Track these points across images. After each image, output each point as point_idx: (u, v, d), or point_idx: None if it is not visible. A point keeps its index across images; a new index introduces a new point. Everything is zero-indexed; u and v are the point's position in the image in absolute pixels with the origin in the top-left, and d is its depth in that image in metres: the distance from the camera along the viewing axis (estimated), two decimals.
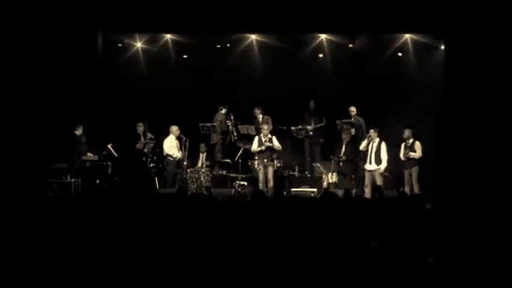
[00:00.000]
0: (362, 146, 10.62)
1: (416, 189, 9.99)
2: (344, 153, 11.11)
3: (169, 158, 11.33)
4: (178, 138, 11.42)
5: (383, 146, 10.38)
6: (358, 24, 10.67)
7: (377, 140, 10.44)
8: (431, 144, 10.60)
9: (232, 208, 5.76)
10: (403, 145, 10.41)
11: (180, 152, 11.34)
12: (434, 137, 10.84)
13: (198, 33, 11.79)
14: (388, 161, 10.38)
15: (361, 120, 11.43)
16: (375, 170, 10.30)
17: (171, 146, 11.33)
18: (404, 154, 10.33)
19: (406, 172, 10.35)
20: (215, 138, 11.95)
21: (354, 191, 10.26)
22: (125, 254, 4.33)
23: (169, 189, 10.75)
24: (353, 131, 11.30)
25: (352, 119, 11.41)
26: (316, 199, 8.45)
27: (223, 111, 12.03)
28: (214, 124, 11.79)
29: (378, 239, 4.42)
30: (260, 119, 11.77)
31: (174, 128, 11.38)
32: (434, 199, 6.51)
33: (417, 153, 10.26)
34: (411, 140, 10.35)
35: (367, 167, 10.43)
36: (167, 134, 11.48)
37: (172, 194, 8.04)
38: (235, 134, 11.79)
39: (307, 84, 12.31)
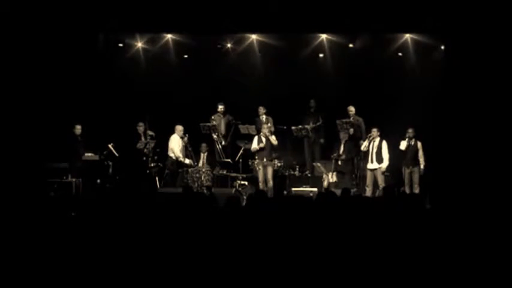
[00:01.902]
0: (363, 146, 10.63)
1: (416, 190, 9.98)
2: (343, 153, 11.14)
3: (171, 157, 11.35)
4: (181, 138, 11.44)
5: (384, 144, 10.41)
6: (358, 24, 10.67)
7: (378, 139, 10.45)
8: (430, 145, 10.59)
9: (233, 208, 5.78)
10: (407, 143, 10.37)
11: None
12: (434, 137, 10.83)
13: (198, 33, 11.81)
14: (390, 160, 10.38)
15: (360, 120, 11.43)
16: (377, 169, 10.31)
17: (178, 147, 11.32)
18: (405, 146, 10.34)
19: (407, 172, 10.33)
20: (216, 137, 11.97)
21: (353, 191, 10.27)
22: (126, 254, 4.35)
23: (170, 188, 10.78)
24: (351, 130, 11.31)
25: (351, 118, 11.41)
26: (314, 198, 8.47)
27: (220, 108, 12.01)
28: (215, 124, 11.80)
29: None
30: (263, 119, 11.73)
31: (179, 128, 11.36)
32: (434, 199, 6.54)
33: (421, 155, 10.21)
34: (413, 140, 10.34)
35: (369, 166, 10.44)
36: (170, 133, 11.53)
37: (178, 194, 8.08)
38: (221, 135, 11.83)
39: (307, 84, 12.32)
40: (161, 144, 11.55)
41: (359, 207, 5.82)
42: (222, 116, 12.01)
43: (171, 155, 11.38)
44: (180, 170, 11.35)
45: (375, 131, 10.50)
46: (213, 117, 11.91)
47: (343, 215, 5.35)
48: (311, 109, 12.06)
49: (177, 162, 11.37)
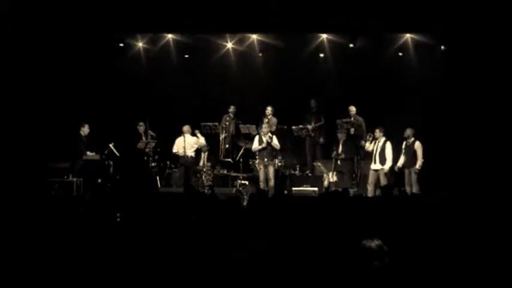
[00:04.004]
0: (366, 147, 10.58)
1: (415, 189, 9.95)
2: (342, 152, 11.14)
3: (186, 156, 11.23)
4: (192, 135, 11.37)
5: (388, 145, 10.29)
6: (358, 24, 10.68)
7: (382, 139, 10.36)
8: (431, 144, 10.58)
9: (234, 207, 5.80)
10: (404, 143, 10.39)
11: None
12: (434, 136, 10.84)
13: (199, 33, 11.83)
14: (393, 161, 10.34)
15: (361, 120, 11.43)
16: (379, 169, 10.26)
17: (184, 145, 11.24)
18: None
19: (407, 171, 10.32)
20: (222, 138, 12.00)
21: (353, 190, 10.28)
22: (127, 254, 4.37)
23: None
24: (352, 130, 11.31)
25: (352, 118, 11.42)
26: (317, 198, 8.48)
27: (231, 109, 12.04)
28: (216, 123, 11.81)
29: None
30: (267, 118, 11.69)
31: (186, 128, 11.25)
32: (434, 199, 6.55)
33: (419, 154, 10.18)
34: (412, 140, 10.31)
35: (372, 166, 10.36)
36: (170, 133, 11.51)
37: (179, 193, 8.08)
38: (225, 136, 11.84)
39: (307, 83, 12.34)
40: (162, 144, 11.55)
41: (358, 207, 5.85)
42: (232, 117, 12.04)
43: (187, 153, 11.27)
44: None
45: (377, 132, 10.44)
46: (225, 117, 11.94)
47: (343, 215, 5.37)
48: (312, 109, 12.07)
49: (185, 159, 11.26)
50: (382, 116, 11.25)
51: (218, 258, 4.25)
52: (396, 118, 11.01)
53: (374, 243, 4.40)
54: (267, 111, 11.66)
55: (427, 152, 10.28)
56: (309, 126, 11.73)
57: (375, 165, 10.32)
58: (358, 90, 11.87)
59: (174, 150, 11.36)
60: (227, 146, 11.96)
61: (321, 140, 11.96)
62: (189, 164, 11.24)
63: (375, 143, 10.39)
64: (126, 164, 11.14)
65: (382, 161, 10.25)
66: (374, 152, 10.36)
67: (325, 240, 4.60)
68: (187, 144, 11.19)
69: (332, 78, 12.29)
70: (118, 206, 6.13)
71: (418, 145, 10.20)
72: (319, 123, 11.85)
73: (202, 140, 11.32)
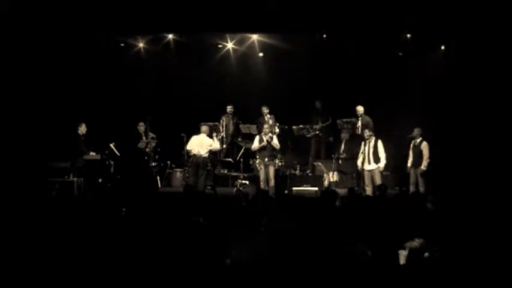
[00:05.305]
0: (360, 151, 10.58)
1: (422, 190, 9.96)
2: (343, 152, 11.15)
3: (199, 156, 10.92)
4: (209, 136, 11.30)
5: (380, 144, 10.32)
6: (358, 24, 10.69)
7: (373, 139, 10.40)
8: (431, 144, 10.59)
9: (235, 206, 5.81)
10: (412, 143, 10.41)
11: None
12: (435, 136, 10.84)
13: (199, 33, 11.84)
14: (387, 158, 10.37)
15: (369, 120, 11.37)
16: (375, 168, 10.28)
17: (196, 144, 11.11)
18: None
19: (412, 171, 10.34)
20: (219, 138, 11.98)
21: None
22: (127, 253, 4.37)
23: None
24: (359, 129, 11.29)
25: (360, 118, 11.40)
26: (317, 198, 8.48)
27: (229, 109, 12.04)
28: (216, 123, 11.81)
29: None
30: (266, 118, 11.73)
31: (204, 128, 10.99)
32: (436, 199, 6.55)
33: (424, 154, 10.21)
34: (419, 140, 10.34)
35: (366, 167, 10.37)
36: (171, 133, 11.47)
37: (179, 193, 8.07)
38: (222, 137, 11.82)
39: (308, 84, 12.35)
40: (162, 144, 11.55)
41: (362, 206, 5.85)
42: (230, 116, 12.05)
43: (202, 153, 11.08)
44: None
45: (366, 132, 10.47)
46: (223, 118, 11.95)
47: (348, 214, 5.37)
48: (319, 110, 12.09)
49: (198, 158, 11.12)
50: (382, 115, 11.26)
51: (219, 258, 4.25)
52: (396, 118, 11.02)
53: (416, 242, 4.46)
54: (263, 111, 11.69)
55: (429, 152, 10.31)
56: (316, 126, 11.75)
57: (369, 166, 10.33)
58: (358, 90, 11.88)
59: (188, 147, 10.97)
60: (224, 146, 11.95)
61: (331, 138, 11.97)
62: (201, 163, 10.87)
63: (365, 144, 10.42)
64: (126, 164, 11.13)
65: (377, 160, 10.28)
66: (367, 152, 10.36)
67: (323, 240, 4.61)
68: (202, 143, 10.87)
69: (331, 78, 12.29)
70: (120, 205, 6.14)
71: (425, 145, 10.24)
72: (327, 123, 11.86)
73: (217, 145, 11.14)
